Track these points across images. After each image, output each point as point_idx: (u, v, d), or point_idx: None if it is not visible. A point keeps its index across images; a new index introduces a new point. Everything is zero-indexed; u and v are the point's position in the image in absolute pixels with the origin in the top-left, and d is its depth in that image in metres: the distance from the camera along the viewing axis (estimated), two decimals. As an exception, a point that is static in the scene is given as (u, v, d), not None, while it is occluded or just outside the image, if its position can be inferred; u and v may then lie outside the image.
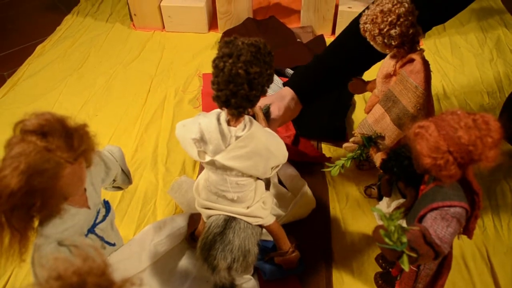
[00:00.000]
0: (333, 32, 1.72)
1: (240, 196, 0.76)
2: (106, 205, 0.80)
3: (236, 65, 0.63)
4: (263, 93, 0.70)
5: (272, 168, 0.77)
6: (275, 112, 0.96)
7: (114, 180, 0.82)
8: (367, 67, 1.06)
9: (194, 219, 1.00)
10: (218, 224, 0.77)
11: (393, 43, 0.84)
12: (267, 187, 0.84)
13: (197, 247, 0.78)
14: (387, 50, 0.87)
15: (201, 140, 0.71)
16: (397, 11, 0.81)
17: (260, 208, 0.78)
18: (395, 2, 0.82)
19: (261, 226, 0.82)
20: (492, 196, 1.11)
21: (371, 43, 0.87)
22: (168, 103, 1.42)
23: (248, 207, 0.77)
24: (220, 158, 0.70)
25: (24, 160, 0.55)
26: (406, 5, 0.82)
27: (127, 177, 0.85)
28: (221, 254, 0.74)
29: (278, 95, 1.03)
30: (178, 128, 0.76)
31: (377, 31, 0.83)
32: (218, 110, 0.73)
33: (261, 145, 0.72)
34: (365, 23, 0.85)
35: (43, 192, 0.58)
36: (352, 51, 1.01)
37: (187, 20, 1.74)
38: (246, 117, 0.72)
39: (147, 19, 1.77)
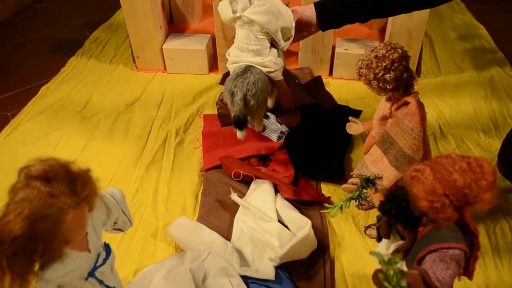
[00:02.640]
0: (331, 73, 1.76)
1: (259, 49, 1.10)
2: (107, 248, 0.80)
3: None
4: None
5: (282, 33, 1.09)
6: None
7: (115, 223, 0.83)
8: (391, 12, 1.11)
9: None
10: (241, 67, 1.11)
11: (388, 87, 0.87)
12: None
13: (224, 84, 1.13)
14: (382, 94, 0.90)
15: (234, 1, 1.08)
16: (391, 56, 0.85)
17: (271, 62, 1.12)
18: (389, 48, 0.86)
19: (271, 81, 1.16)
20: (492, 235, 1.11)
21: (367, 87, 0.90)
22: (169, 144, 1.44)
23: (262, 60, 1.11)
24: (246, 13, 1.06)
25: (28, 205, 0.56)
26: (400, 51, 0.85)
27: (128, 220, 0.85)
28: (240, 84, 1.08)
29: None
30: (220, 3, 1.13)
31: (372, 75, 0.86)
32: None
33: (274, 6, 1.06)
34: (361, 68, 0.88)
35: (46, 237, 0.58)
36: None
37: (188, 62, 1.79)
38: None
39: (149, 61, 1.82)
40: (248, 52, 1.10)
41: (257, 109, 1.13)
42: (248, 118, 1.15)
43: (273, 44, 1.13)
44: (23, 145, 1.46)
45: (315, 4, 1.11)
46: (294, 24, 1.09)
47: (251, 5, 1.06)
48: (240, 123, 1.13)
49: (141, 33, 1.73)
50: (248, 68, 1.10)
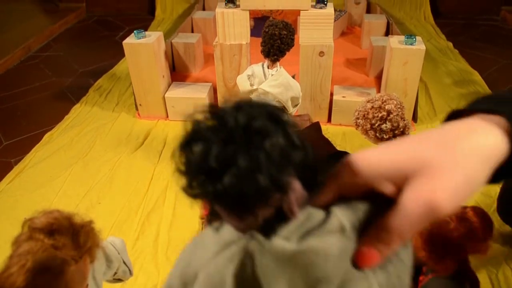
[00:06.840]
0: (329, 119, 1.80)
1: None
2: (107, 299, 0.79)
3: (274, 30, 1.20)
4: (288, 49, 1.24)
5: (291, 102, 1.28)
6: None
7: (115, 273, 0.82)
8: None
9: None
10: None
11: (385, 136, 0.89)
12: None
13: None
14: (379, 143, 0.92)
15: (252, 76, 1.27)
16: (386, 107, 0.87)
17: None
18: (385, 99, 0.89)
19: None
20: (495, 281, 1.10)
21: (364, 137, 0.92)
22: (170, 191, 1.44)
23: None
24: (262, 86, 1.25)
25: (31, 258, 0.56)
26: (395, 102, 0.88)
27: (128, 270, 0.85)
28: None
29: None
30: (239, 76, 1.33)
31: (369, 126, 0.88)
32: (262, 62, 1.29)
33: (285, 80, 1.25)
34: (357, 118, 0.90)
35: (47, 290, 0.59)
36: None
37: (190, 110, 1.82)
38: (278, 65, 1.27)
39: (151, 109, 1.86)
40: None
41: None
42: None
43: (283, 110, 1.32)
44: (25, 192, 1.46)
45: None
46: (301, 94, 1.31)
47: (266, 80, 1.27)
48: None
49: (144, 81, 1.78)
50: None
